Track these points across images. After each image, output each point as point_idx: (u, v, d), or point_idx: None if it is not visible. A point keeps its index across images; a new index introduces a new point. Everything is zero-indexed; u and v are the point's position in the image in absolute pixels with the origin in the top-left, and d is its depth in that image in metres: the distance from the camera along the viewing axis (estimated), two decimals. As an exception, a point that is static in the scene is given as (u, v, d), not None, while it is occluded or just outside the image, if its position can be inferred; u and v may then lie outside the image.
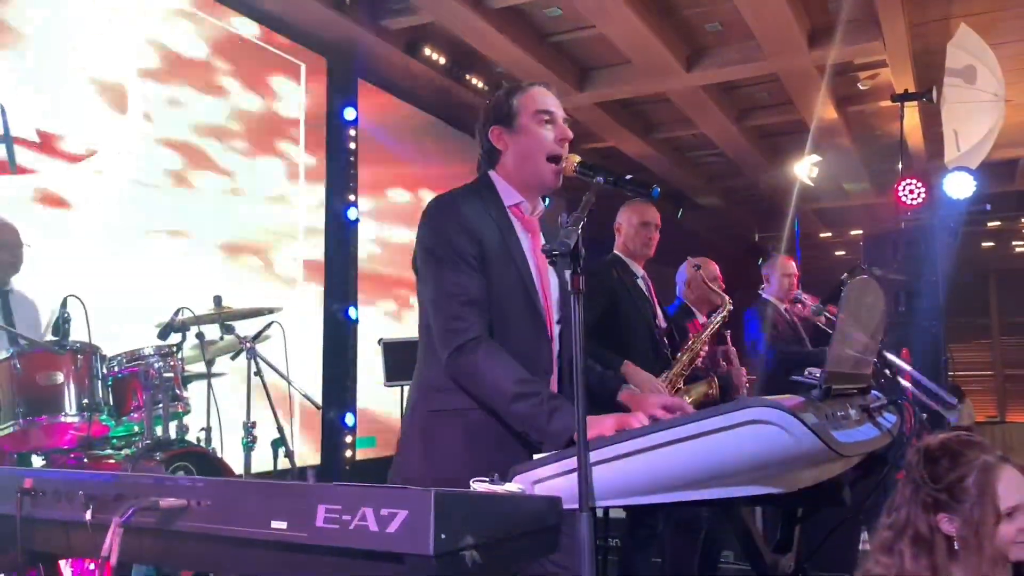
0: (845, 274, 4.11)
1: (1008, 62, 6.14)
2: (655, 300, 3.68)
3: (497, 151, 2.10)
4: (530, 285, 1.96)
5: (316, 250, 6.19)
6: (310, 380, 5.54)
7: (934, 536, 1.81)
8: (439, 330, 1.89)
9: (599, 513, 4.21)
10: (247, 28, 5.63)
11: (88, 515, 1.43)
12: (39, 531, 1.54)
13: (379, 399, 6.30)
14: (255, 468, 3.89)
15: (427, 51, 6.54)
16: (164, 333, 3.46)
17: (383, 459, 6.15)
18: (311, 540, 1.22)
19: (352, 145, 6.49)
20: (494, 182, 2.09)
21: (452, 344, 1.85)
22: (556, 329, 2.04)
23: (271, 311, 3.83)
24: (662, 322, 3.67)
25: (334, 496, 1.21)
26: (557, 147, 2.06)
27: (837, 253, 12.09)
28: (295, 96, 6.07)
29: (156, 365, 3.28)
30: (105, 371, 3.17)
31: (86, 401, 3.01)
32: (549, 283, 2.05)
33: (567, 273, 1.57)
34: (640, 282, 3.63)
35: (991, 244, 12.09)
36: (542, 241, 2.11)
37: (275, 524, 1.24)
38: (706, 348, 3.70)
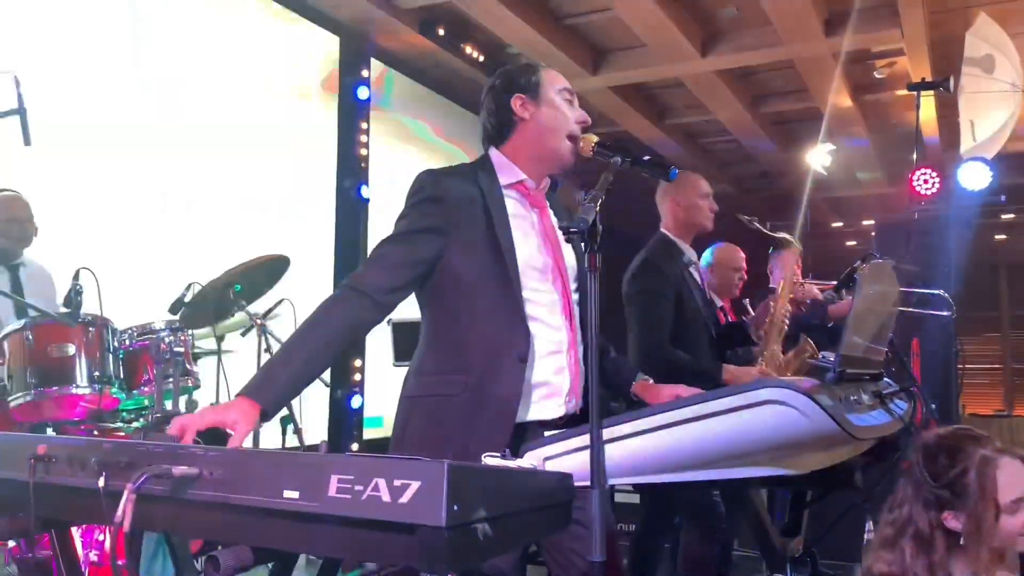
0: (859, 261, 4.09)
1: (1027, 52, 6.08)
2: (705, 287, 3.48)
3: (516, 121, 2.08)
4: (509, 262, 1.94)
5: (327, 228, 6.19)
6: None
7: (934, 533, 1.81)
8: None
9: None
10: (259, 4, 5.61)
11: (101, 482, 1.42)
12: (52, 497, 1.55)
13: (388, 379, 6.30)
14: (263, 445, 3.90)
15: (440, 31, 6.50)
16: (175, 308, 3.47)
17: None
18: (323, 510, 1.21)
19: (364, 124, 6.47)
20: (492, 161, 2.08)
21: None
22: (574, 307, 2.02)
23: (280, 259, 3.72)
24: (718, 313, 3.48)
25: (347, 466, 1.21)
26: (577, 128, 2.06)
27: (848, 243, 12.02)
28: (307, 73, 6.05)
29: (167, 339, 3.29)
30: (116, 344, 3.18)
31: (97, 373, 3.02)
32: (563, 260, 2.03)
33: (584, 251, 1.57)
34: (693, 270, 3.38)
35: (1004, 237, 12.01)
36: (551, 216, 2.10)
37: (288, 494, 1.24)
38: (788, 310, 3.45)
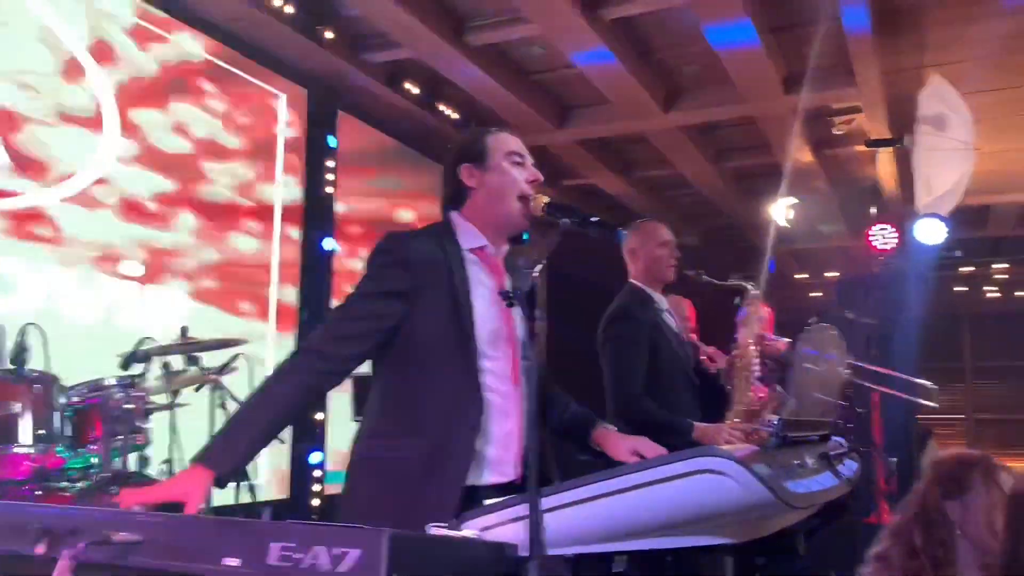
0: (814, 317, 4.13)
1: (978, 111, 6.24)
2: (680, 334, 3.44)
3: (466, 190, 2.09)
4: (469, 330, 1.93)
5: (289, 280, 6.15)
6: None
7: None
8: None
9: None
10: (226, 57, 5.64)
11: (39, 549, 1.39)
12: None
13: (350, 434, 6.23)
14: (217, 502, 3.83)
15: (407, 85, 6.58)
16: (127, 363, 3.42)
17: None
18: (263, 578, 1.21)
19: (331, 176, 6.48)
20: (453, 225, 2.08)
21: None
22: (521, 375, 2.00)
23: (237, 343, 3.79)
24: (694, 359, 3.45)
25: (287, 533, 1.22)
26: (528, 188, 2.06)
27: (812, 295, 12.17)
28: (274, 126, 6.07)
29: (117, 396, 3.23)
30: (64, 401, 3.12)
31: (42, 432, 2.96)
32: (516, 321, 2.02)
33: (528, 316, 1.57)
34: (666, 316, 3.36)
35: (964, 289, 12.23)
36: (507, 282, 2.11)
37: (228, 561, 1.24)
38: (755, 361, 3.41)
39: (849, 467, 2.23)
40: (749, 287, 3.57)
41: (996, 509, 1.94)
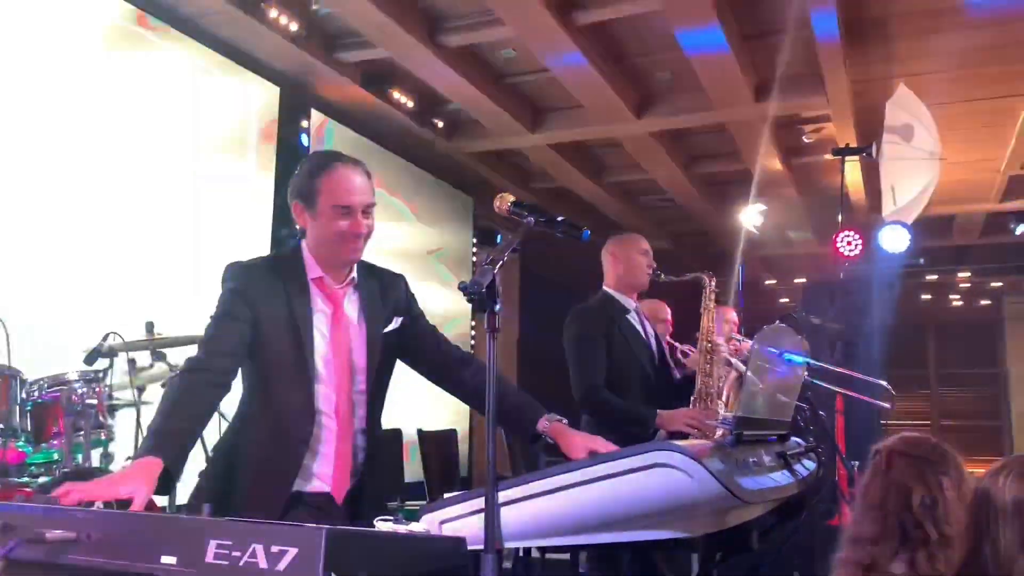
0: (777, 321, 4.19)
1: (944, 122, 6.37)
2: (650, 332, 3.54)
3: (299, 224, 2.19)
4: (308, 353, 2.07)
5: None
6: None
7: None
8: None
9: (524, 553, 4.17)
10: (199, 53, 5.61)
11: (-28, 547, 1.37)
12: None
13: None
14: (180, 499, 3.79)
15: (383, 86, 6.58)
16: (91, 358, 3.39)
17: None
18: (200, 576, 1.19)
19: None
20: (302, 254, 2.18)
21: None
22: (364, 385, 2.14)
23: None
24: (658, 358, 3.51)
25: (225, 532, 1.21)
26: (351, 239, 2.11)
27: (781, 300, 12.31)
28: (246, 122, 6.04)
29: (80, 391, 3.21)
30: (25, 395, 3.08)
31: (1, 426, 2.92)
32: (351, 347, 2.14)
33: (488, 312, 1.59)
34: (633, 316, 3.47)
35: (929, 297, 12.43)
36: (351, 307, 2.19)
37: (165, 559, 1.22)
38: (720, 343, 3.55)
39: (806, 466, 2.27)
40: (705, 276, 3.68)
41: (966, 482, 1.85)
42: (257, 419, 2.10)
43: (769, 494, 1.72)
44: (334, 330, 2.13)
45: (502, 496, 1.47)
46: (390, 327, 2.21)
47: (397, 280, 2.31)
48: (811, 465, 2.33)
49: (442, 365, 2.27)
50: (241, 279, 2.10)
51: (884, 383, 3.48)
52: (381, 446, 2.23)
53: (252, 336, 2.06)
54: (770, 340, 1.90)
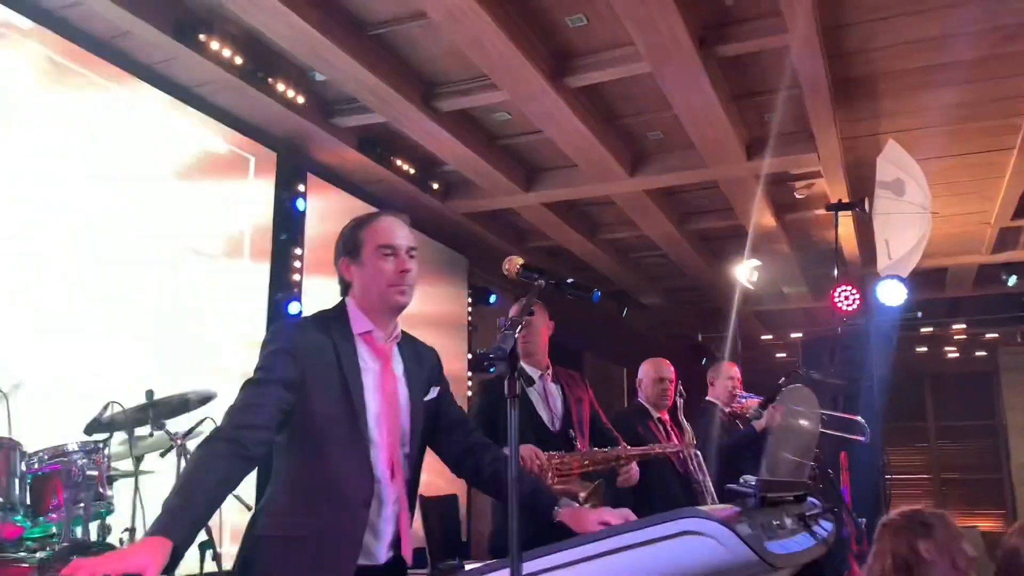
0: (783, 378, 4.19)
1: (933, 176, 6.45)
2: (561, 406, 3.40)
3: (346, 280, 2.20)
4: (360, 411, 2.02)
5: (255, 346, 6.07)
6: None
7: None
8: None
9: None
10: (196, 121, 5.66)
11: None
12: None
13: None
14: (181, 571, 3.70)
15: (379, 150, 6.64)
16: (91, 429, 3.34)
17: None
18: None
19: (299, 250, 6.44)
20: (347, 309, 2.17)
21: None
22: (409, 448, 2.11)
23: (207, 397, 3.69)
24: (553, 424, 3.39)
25: None
26: (396, 277, 2.13)
27: (778, 355, 12.30)
28: (242, 188, 6.07)
29: (80, 462, 3.14)
30: (24, 468, 3.03)
31: (0, 500, 2.86)
32: (400, 407, 2.11)
33: (508, 378, 1.58)
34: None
35: (924, 349, 12.44)
36: (397, 365, 2.17)
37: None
38: (629, 467, 3.34)
39: (824, 527, 2.24)
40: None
41: (957, 541, 2.23)
42: (307, 489, 2.01)
43: (796, 558, 1.69)
44: (384, 388, 2.09)
45: (527, 567, 1.43)
46: (429, 396, 2.20)
47: (430, 351, 2.32)
48: (828, 526, 2.30)
49: (465, 453, 2.25)
50: (290, 339, 2.07)
51: (859, 419, 3.61)
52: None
53: (295, 400, 2.00)
54: (791, 401, 1.89)
